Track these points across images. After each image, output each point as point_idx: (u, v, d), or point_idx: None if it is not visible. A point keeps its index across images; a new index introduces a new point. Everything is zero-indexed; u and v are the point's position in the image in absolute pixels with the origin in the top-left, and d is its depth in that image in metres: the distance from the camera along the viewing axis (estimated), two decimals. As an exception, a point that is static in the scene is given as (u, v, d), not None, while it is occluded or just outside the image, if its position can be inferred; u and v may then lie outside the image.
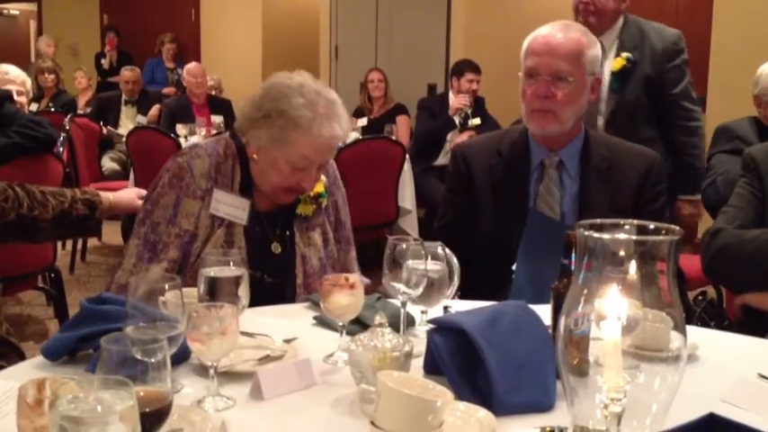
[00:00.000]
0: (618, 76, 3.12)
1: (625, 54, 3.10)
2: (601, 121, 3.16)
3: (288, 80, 1.98)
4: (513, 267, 2.15)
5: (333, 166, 2.22)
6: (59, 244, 4.59)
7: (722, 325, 2.79)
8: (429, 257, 1.61)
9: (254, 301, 1.60)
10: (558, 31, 2.15)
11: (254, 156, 2.00)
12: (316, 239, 2.11)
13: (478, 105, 6.23)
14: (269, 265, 2.01)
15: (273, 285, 2.01)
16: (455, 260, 1.78)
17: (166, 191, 1.97)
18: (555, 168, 2.22)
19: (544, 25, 2.19)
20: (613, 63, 3.09)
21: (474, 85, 6.15)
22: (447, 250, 1.71)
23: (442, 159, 6.09)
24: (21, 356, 2.19)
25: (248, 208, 2.01)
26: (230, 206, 1.99)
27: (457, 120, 6.04)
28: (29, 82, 4.26)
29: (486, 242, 2.22)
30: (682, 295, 2.24)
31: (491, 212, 2.22)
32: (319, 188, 2.10)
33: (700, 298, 3.77)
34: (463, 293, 2.17)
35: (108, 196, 2.24)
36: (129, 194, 2.30)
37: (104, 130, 6.67)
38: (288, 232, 2.08)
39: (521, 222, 2.14)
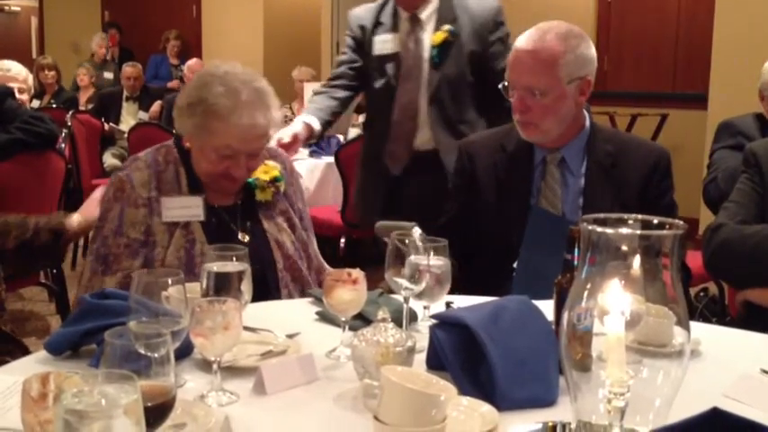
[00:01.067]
0: (439, 50, 2.93)
1: (446, 27, 2.90)
2: (423, 102, 2.98)
3: (214, 69, 2.01)
4: (515, 265, 2.15)
5: (286, 157, 2.26)
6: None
7: (724, 321, 2.79)
8: (431, 253, 1.61)
9: None
10: (530, 42, 2.11)
11: (187, 145, 2.05)
12: (283, 225, 2.13)
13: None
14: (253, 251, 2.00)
15: (254, 274, 1.99)
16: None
17: (112, 204, 1.99)
18: (557, 166, 2.20)
19: (525, 32, 2.15)
20: (433, 37, 2.91)
21: None
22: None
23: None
24: (25, 353, 2.20)
25: (201, 203, 2.01)
26: (181, 208, 2.00)
27: None
28: (30, 78, 4.26)
29: (488, 238, 2.21)
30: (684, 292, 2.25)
31: (494, 209, 2.21)
32: (274, 172, 2.12)
33: (701, 294, 3.77)
34: (464, 290, 2.17)
35: (76, 217, 2.19)
36: (93, 204, 2.21)
37: (106, 127, 6.66)
38: (250, 222, 2.09)
39: (523, 219, 2.14)
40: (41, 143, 3.33)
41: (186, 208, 2.00)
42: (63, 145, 5.12)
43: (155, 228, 1.98)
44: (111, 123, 6.83)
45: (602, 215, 1.11)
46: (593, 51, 2.17)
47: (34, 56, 11.66)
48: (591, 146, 2.21)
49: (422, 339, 1.47)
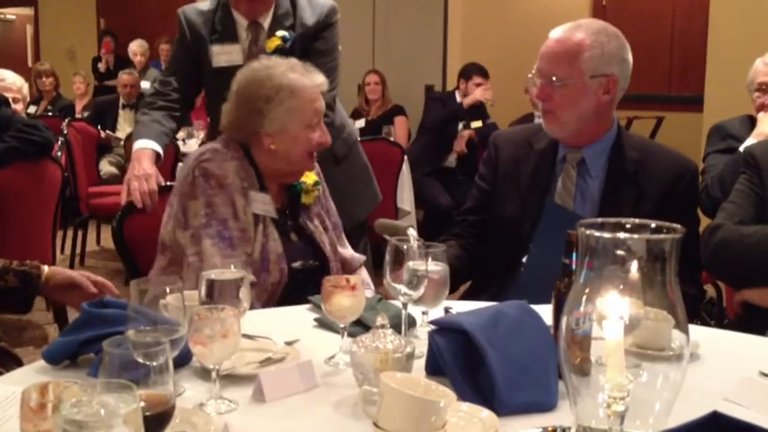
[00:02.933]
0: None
1: (280, 33, 2.73)
2: None
3: (252, 67, 2.14)
4: (523, 260, 2.16)
5: (317, 166, 2.29)
6: (58, 248, 4.59)
7: (722, 323, 2.79)
8: (430, 258, 1.61)
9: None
10: (561, 32, 2.16)
11: (272, 146, 2.09)
12: (320, 227, 2.23)
13: (479, 107, 6.23)
14: (290, 253, 2.11)
15: (309, 269, 2.13)
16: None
17: (216, 192, 2.03)
18: (575, 165, 2.21)
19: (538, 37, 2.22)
20: (268, 43, 2.74)
21: (482, 91, 6.11)
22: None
23: (448, 161, 6.09)
24: (18, 363, 2.19)
25: (270, 201, 2.10)
26: (261, 203, 2.08)
27: (461, 124, 6.06)
28: (26, 88, 4.25)
29: (500, 232, 2.24)
30: (696, 301, 2.23)
31: (511, 202, 2.24)
32: (313, 176, 2.22)
33: (699, 296, 3.78)
34: (473, 283, 2.18)
35: (54, 269, 1.97)
36: (71, 273, 1.99)
37: (102, 134, 6.67)
38: (296, 222, 2.19)
39: (537, 214, 2.15)
40: (37, 151, 3.32)
41: (264, 204, 2.09)
42: (59, 153, 5.12)
43: (249, 219, 2.05)
44: (107, 131, 6.83)
45: (599, 219, 1.11)
46: (625, 53, 2.16)
47: (30, 64, 11.67)
48: (615, 150, 2.20)
49: (420, 345, 1.47)
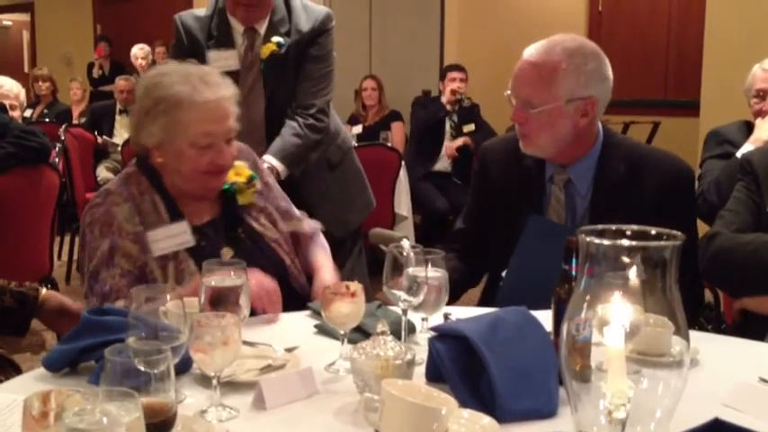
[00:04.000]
0: (269, 63, 2.72)
1: (275, 39, 2.70)
2: (260, 118, 2.77)
3: (155, 71, 2.00)
4: (503, 274, 2.15)
5: (249, 151, 2.17)
6: (56, 254, 4.58)
7: (720, 328, 2.80)
8: (429, 265, 1.61)
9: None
10: (536, 54, 2.06)
11: (159, 159, 1.94)
12: (267, 224, 2.09)
13: (473, 112, 6.25)
14: (255, 257, 1.95)
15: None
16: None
17: (98, 240, 1.89)
18: (563, 186, 2.14)
19: (535, 43, 2.10)
20: (263, 49, 2.72)
21: (457, 83, 6.15)
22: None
23: (440, 165, 6.12)
24: (16, 369, 2.18)
25: (187, 228, 1.94)
26: (168, 238, 1.92)
27: (448, 125, 6.09)
28: (23, 95, 4.26)
29: (492, 246, 2.20)
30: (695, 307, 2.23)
31: (499, 218, 2.19)
32: (246, 171, 2.06)
33: (697, 301, 3.79)
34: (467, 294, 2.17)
35: (50, 293, 1.97)
36: (64, 300, 1.98)
37: (99, 140, 6.67)
38: (239, 230, 2.03)
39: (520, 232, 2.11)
40: (34, 157, 3.32)
41: (173, 237, 1.92)
42: (57, 159, 5.12)
43: (151, 265, 1.90)
44: (104, 137, 6.83)
45: (599, 226, 1.12)
46: (604, 71, 2.07)
47: (26, 69, 11.67)
48: (601, 165, 2.11)
49: (421, 351, 1.47)
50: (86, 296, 1.92)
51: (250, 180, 2.06)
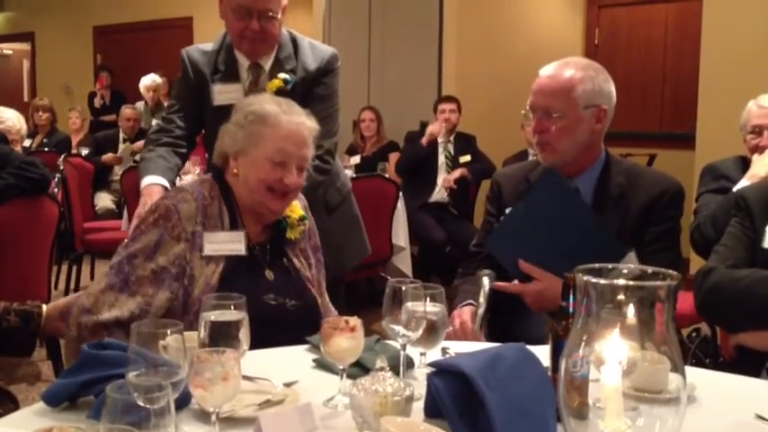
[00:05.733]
0: None
1: (282, 75, 2.77)
2: None
3: (251, 96, 2.23)
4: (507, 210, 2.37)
5: (302, 196, 2.27)
6: (53, 283, 4.58)
7: (717, 362, 2.80)
8: (428, 299, 1.62)
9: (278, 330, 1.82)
10: (552, 71, 2.27)
11: (234, 170, 2.08)
12: (304, 263, 2.21)
13: (469, 143, 6.29)
14: (262, 289, 2.05)
15: (289, 311, 2.07)
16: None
17: (150, 229, 1.99)
18: None
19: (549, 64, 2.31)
20: (269, 85, 2.78)
21: (447, 114, 6.20)
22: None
23: (437, 196, 6.14)
24: (13, 401, 2.17)
25: (243, 238, 2.05)
26: (224, 243, 2.03)
27: (443, 156, 6.13)
28: (24, 129, 4.29)
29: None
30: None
31: None
32: (299, 211, 2.20)
33: (693, 335, 3.79)
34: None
35: (49, 306, 2.01)
36: (67, 298, 2.06)
37: (104, 157, 6.73)
38: (281, 260, 2.15)
39: None
40: (34, 188, 3.34)
41: (229, 243, 2.04)
42: (56, 189, 5.13)
43: (194, 262, 1.99)
44: (110, 154, 6.90)
45: (596, 265, 1.13)
46: (610, 86, 2.29)
47: (26, 98, 11.73)
48: (603, 176, 2.31)
49: (419, 387, 1.47)
50: (111, 267, 1.97)
51: (301, 219, 2.20)
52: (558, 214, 2.18)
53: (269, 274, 2.10)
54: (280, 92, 2.70)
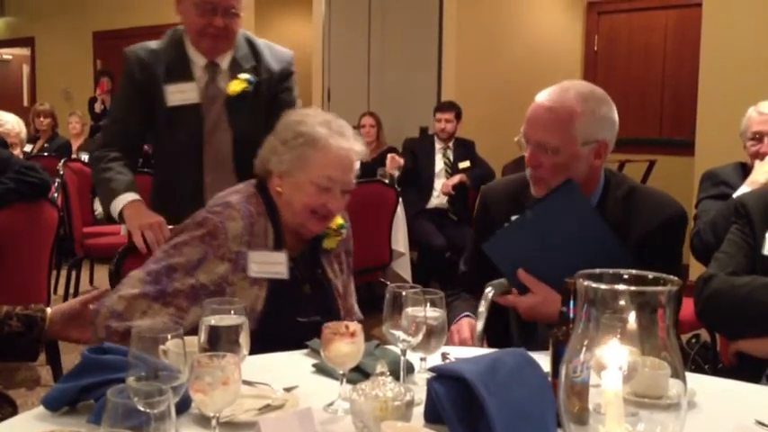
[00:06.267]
0: (236, 100, 2.70)
1: (244, 76, 2.70)
2: (228, 150, 2.75)
3: (300, 110, 2.15)
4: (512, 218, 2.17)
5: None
6: (52, 288, 4.58)
7: (716, 367, 2.80)
8: (428, 304, 1.62)
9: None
10: (549, 99, 2.07)
11: (278, 188, 2.06)
12: (337, 270, 2.19)
13: (468, 149, 6.31)
14: (301, 306, 2.05)
15: (314, 325, 2.02)
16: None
17: (196, 243, 1.96)
18: None
19: (547, 89, 2.11)
20: (231, 86, 2.69)
21: (443, 123, 6.23)
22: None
23: (435, 202, 6.15)
24: (11, 404, 2.17)
25: (286, 260, 2.02)
26: (268, 264, 2.01)
27: (441, 162, 6.17)
28: (23, 132, 4.29)
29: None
30: None
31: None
32: (338, 220, 2.16)
33: (693, 341, 3.79)
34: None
35: (54, 309, 1.95)
36: (70, 303, 1.99)
37: None
38: (316, 272, 2.14)
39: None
40: (34, 193, 3.34)
41: (271, 264, 2.01)
42: (56, 194, 5.13)
43: (237, 283, 1.98)
44: None
45: (597, 270, 1.13)
46: (614, 115, 2.10)
47: (26, 103, 11.74)
48: (600, 208, 2.12)
49: (419, 392, 1.47)
50: (149, 273, 1.94)
51: (340, 228, 2.17)
52: (572, 229, 2.01)
53: (307, 289, 2.10)
54: (243, 93, 2.68)
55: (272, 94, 2.77)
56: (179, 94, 2.69)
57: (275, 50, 2.83)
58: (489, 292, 2.09)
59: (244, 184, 2.16)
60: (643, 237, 2.07)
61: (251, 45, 2.79)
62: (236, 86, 2.69)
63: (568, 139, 2.03)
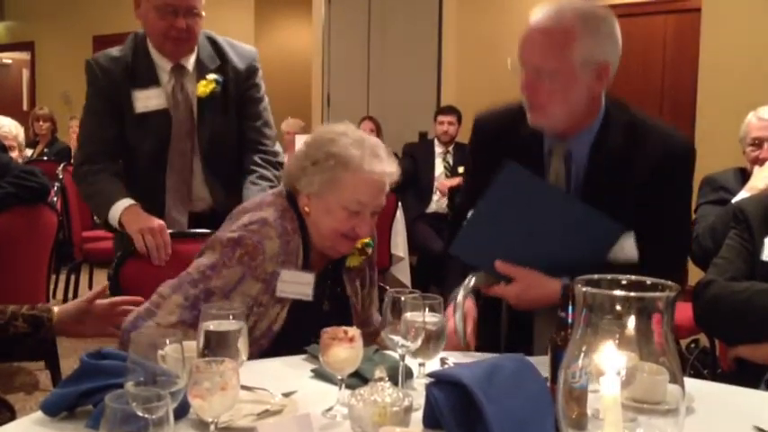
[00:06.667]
0: (206, 102, 2.69)
1: (212, 76, 2.69)
2: (197, 161, 2.73)
3: (331, 128, 2.03)
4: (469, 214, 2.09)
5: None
6: (51, 294, 4.57)
7: (715, 372, 2.80)
8: (427, 310, 1.62)
9: None
10: (545, 19, 1.92)
11: (306, 208, 2.00)
12: (358, 287, 2.15)
13: (465, 151, 6.31)
14: (318, 325, 2.00)
15: None
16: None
17: (233, 264, 1.91)
18: (562, 159, 2.04)
19: (542, 7, 1.95)
20: (200, 87, 2.68)
21: (445, 126, 6.27)
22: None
23: (435, 206, 6.16)
24: (9, 409, 2.17)
25: (313, 282, 1.98)
26: (296, 284, 1.97)
27: (441, 167, 6.18)
28: (21, 135, 4.29)
29: None
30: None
31: None
32: (366, 238, 2.10)
33: (692, 346, 3.79)
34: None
35: (61, 308, 1.92)
36: (76, 302, 1.97)
37: None
38: (336, 289, 2.10)
39: None
40: (34, 197, 3.34)
41: (300, 285, 1.97)
42: (55, 198, 5.13)
43: (265, 303, 1.95)
44: None
45: (595, 276, 1.13)
46: (616, 33, 1.95)
47: (25, 108, 11.75)
48: (601, 136, 2.00)
49: (418, 397, 1.47)
50: (187, 298, 1.89)
51: (365, 246, 2.11)
52: (533, 208, 1.92)
53: (326, 306, 2.06)
54: (213, 94, 2.67)
55: (240, 92, 2.77)
56: (147, 100, 2.68)
57: (238, 48, 2.82)
58: (470, 280, 2.00)
59: (273, 194, 2.09)
60: (647, 170, 1.96)
61: (213, 44, 2.78)
62: (204, 87, 2.68)
63: (566, 62, 1.89)
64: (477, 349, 1.99)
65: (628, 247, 1.94)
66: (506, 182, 1.94)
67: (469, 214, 2.04)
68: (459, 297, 1.97)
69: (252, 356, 1.79)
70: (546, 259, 1.94)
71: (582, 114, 1.98)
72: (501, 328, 2.17)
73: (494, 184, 1.95)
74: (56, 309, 1.90)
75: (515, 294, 1.98)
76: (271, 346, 1.95)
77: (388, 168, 1.98)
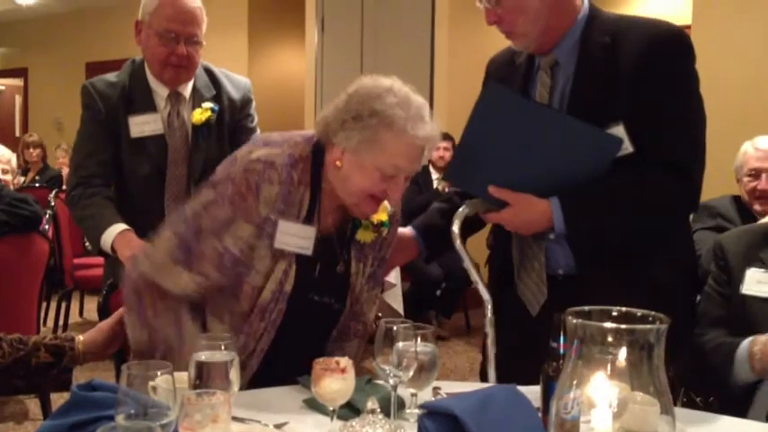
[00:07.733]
0: (201, 129, 2.71)
1: (207, 104, 2.71)
2: (193, 187, 2.68)
3: (377, 81, 1.92)
4: None
5: (396, 202, 2.07)
6: (41, 321, 4.55)
7: (707, 401, 2.80)
8: (419, 339, 1.62)
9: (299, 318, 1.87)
10: None
11: (338, 162, 1.88)
12: (361, 269, 2.04)
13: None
14: (331, 285, 1.97)
15: (323, 305, 1.98)
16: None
17: (224, 203, 1.86)
18: (548, 71, 2.01)
19: None
20: (195, 115, 2.70)
21: (441, 151, 6.35)
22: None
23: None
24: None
25: (313, 236, 1.91)
26: (295, 236, 1.89)
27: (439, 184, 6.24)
28: (14, 160, 4.30)
29: None
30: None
31: None
32: (383, 216, 2.02)
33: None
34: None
35: (87, 335, 1.96)
36: (101, 327, 2.00)
37: None
38: (345, 256, 2.01)
39: None
40: (26, 226, 3.34)
41: (299, 238, 1.90)
42: (47, 226, 5.13)
43: (259, 251, 1.88)
44: None
45: (586, 308, 1.14)
46: None
47: (17, 134, 11.76)
48: (584, 37, 1.96)
49: (410, 428, 1.47)
50: (178, 235, 1.87)
51: (380, 224, 2.02)
52: (519, 128, 1.89)
53: (340, 267, 1.98)
54: (208, 122, 2.70)
55: (234, 121, 2.80)
56: (143, 125, 2.69)
57: (233, 78, 2.86)
58: (463, 210, 1.98)
59: (303, 138, 1.97)
60: (632, 60, 1.88)
61: (210, 74, 2.81)
62: (200, 115, 2.70)
63: None
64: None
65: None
66: (489, 103, 1.93)
67: (459, 139, 2.02)
68: (455, 227, 1.98)
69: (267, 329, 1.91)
70: (543, 180, 1.91)
71: (553, 19, 1.94)
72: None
73: (477, 107, 1.94)
74: (80, 337, 1.90)
75: (509, 218, 1.96)
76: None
77: (433, 133, 1.87)
